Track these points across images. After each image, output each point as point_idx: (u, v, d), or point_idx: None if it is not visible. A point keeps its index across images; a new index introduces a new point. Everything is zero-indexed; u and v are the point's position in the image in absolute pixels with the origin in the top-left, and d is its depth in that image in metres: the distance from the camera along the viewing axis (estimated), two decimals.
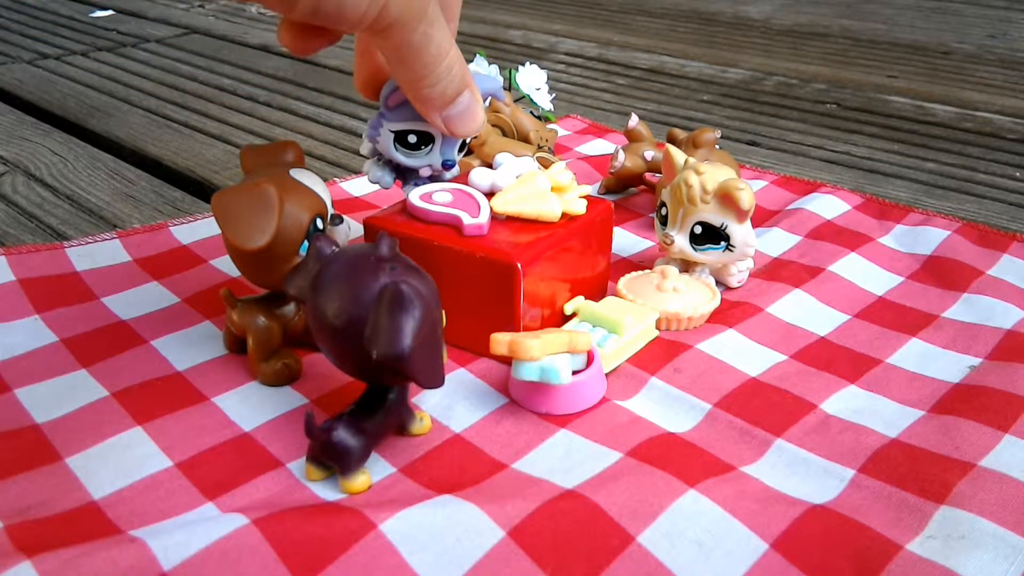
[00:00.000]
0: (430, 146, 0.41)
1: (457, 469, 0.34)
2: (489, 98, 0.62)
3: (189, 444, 0.35)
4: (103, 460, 0.34)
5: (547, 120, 0.72)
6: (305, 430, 0.32)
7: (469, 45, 1.10)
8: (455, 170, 0.43)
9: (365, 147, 0.43)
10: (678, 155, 0.47)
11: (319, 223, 0.38)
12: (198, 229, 0.53)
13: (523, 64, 0.70)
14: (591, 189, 0.45)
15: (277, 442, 0.35)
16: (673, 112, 0.83)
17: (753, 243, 0.45)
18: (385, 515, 0.30)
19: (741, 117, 0.81)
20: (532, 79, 0.69)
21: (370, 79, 0.40)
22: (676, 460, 0.34)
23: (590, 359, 0.38)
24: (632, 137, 0.59)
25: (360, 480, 0.32)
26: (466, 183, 0.43)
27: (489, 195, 0.42)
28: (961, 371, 0.40)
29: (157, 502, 0.32)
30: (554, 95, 0.65)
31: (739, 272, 0.47)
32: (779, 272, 0.49)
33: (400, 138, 0.41)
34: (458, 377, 0.40)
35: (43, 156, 0.69)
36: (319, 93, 0.88)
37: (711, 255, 0.45)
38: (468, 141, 0.43)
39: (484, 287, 0.39)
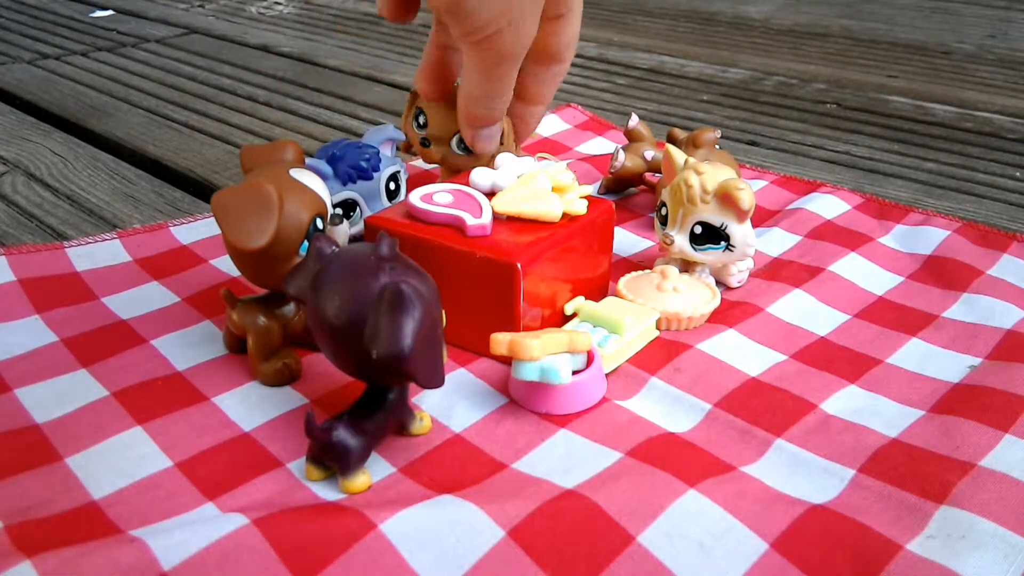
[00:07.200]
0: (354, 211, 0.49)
1: (457, 469, 0.34)
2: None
3: (189, 444, 0.35)
4: (103, 460, 0.34)
5: None
6: (305, 430, 0.32)
7: None
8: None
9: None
10: (678, 155, 0.47)
11: (319, 223, 0.38)
12: (198, 229, 0.53)
13: None
14: (591, 189, 0.45)
15: (277, 442, 0.35)
16: (673, 112, 0.83)
17: (753, 243, 0.45)
18: (385, 515, 0.30)
19: (741, 117, 0.81)
20: None
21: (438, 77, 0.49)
22: (676, 460, 0.34)
23: (590, 359, 0.38)
24: (632, 137, 0.59)
25: (360, 480, 0.32)
26: (467, 183, 0.43)
27: (489, 195, 0.42)
28: (961, 371, 0.40)
29: (157, 502, 0.32)
30: None
31: (739, 272, 0.47)
32: (779, 272, 0.49)
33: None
34: (458, 377, 0.40)
35: (43, 156, 0.69)
36: (319, 93, 0.88)
37: (711, 255, 0.45)
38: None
39: (484, 287, 0.39)
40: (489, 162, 0.51)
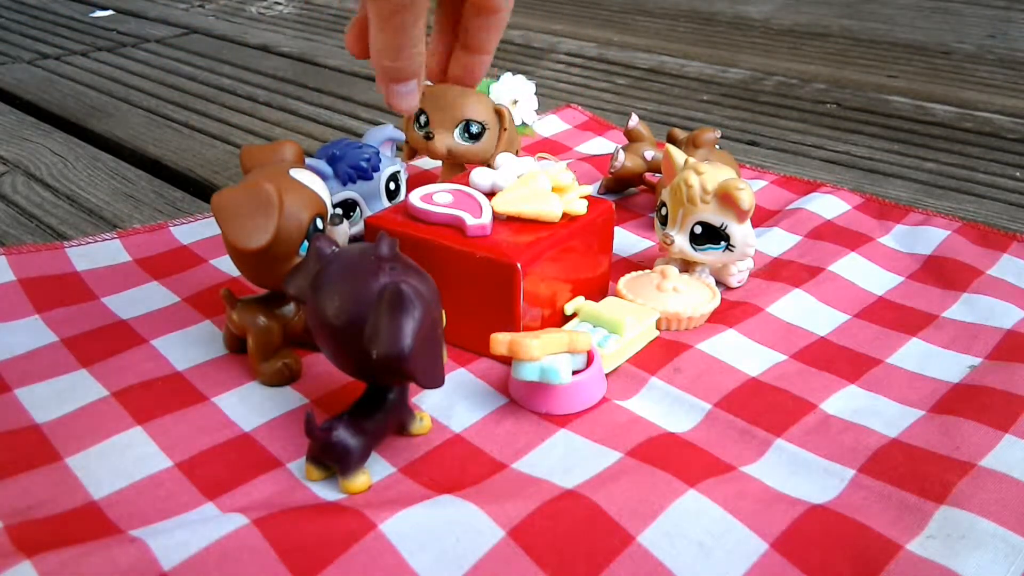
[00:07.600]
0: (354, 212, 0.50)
1: (457, 469, 0.34)
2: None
3: (189, 444, 0.35)
4: (103, 460, 0.34)
5: (525, 134, 0.70)
6: (305, 430, 0.32)
7: None
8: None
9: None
10: (678, 155, 0.47)
11: (319, 223, 0.38)
12: (198, 229, 0.53)
13: (508, 73, 0.69)
14: (591, 189, 0.45)
15: (277, 442, 0.35)
16: (673, 112, 0.83)
17: (753, 243, 0.45)
18: (385, 515, 0.30)
19: (741, 117, 0.81)
20: (509, 91, 0.67)
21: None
22: (676, 460, 0.34)
23: (590, 359, 0.38)
24: (632, 137, 0.59)
25: (360, 480, 0.32)
26: (467, 183, 0.43)
27: (490, 195, 0.42)
28: (961, 371, 0.40)
29: (157, 502, 0.32)
30: (536, 107, 0.64)
31: (739, 272, 0.47)
32: (779, 272, 0.49)
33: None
34: (458, 377, 0.40)
35: (43, 156, 0.69)
36: (319, 93, 0.88)
37: (711, 255, 0.45)
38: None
39: (484, 287, 0.39)
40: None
